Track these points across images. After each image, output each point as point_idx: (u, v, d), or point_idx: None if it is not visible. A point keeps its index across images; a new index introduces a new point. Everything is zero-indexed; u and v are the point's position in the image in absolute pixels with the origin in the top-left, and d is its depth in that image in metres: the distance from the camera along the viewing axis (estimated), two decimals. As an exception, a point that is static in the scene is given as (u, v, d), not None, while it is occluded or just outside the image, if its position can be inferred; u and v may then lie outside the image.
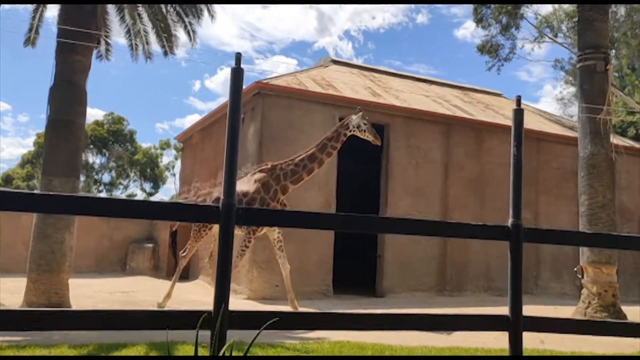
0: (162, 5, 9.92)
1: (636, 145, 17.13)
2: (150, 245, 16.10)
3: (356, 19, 70.04)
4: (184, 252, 9.66)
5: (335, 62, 17.32)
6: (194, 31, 10.02)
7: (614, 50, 23.36)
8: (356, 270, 15.94)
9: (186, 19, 9.91)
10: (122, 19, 10.48)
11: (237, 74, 3.39)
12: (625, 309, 10.38)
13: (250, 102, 12.72)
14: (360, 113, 8.98)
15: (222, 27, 71.80)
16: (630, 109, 19.68)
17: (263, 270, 11.53)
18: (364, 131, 8.96)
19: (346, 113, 12.94)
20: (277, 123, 12.20)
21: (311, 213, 4.59)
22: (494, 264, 13.60)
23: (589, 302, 10.20)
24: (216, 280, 3.20)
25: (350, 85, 14.53)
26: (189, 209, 3.41)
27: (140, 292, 12.03)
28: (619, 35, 22.61)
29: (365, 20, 70.15)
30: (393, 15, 68.68)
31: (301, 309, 9.06)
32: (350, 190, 16.26)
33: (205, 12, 9.79)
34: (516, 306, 3.87)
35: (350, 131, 8.88)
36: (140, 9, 10.17)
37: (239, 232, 9.34)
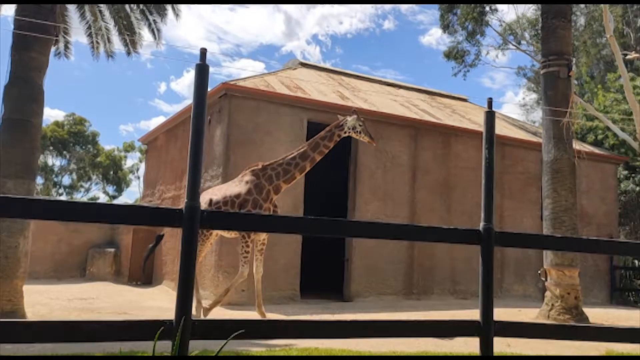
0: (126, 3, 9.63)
1: (596, 150, 17.55)
2: (112, 249, 15.64)
3: (324, 23, 70.28)
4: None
5: (303, 64, 17.21)
6: (158, 30, 9.75)
7: (574, 59, 23.95)
8: (324, 274, 15.83)
9: (150, 17, 9.63)
10: (83, 15, 10.13)
11: (202, 71, 3.23)
12: (587, 310, 10.56)
13: (216, 103, 12.50)
14: (355, 115, 8.79)
15: (188, 29, 71.01)
16: (590, 116, 20.18)
17: (229, 275, 11.29)
18: (359, 132, 8.79)
19: (314, 116, 12.87)
20: (244, 125, 12.01)
21: (279, 217, 4.45)
22: (459, 267, 13.70)
23: (552, 305, 10.34)
24: (178, 288, 3.03)
25: (318, 88, 14.44)
26: (149, 212, 3.22)
27: (101, 298, 11.64)
28: (579, 44, 23.21)
29: (333, 25, 70.47)
30: (360, 20, 69.17)
31: (268, 315, 8.88)
32: (318, 194, 16.15)
33: (170, 11, 9.53)
34: (487, 311, 3.82)
35: (345, 132, 8.72)
36: (102, 5, 9.84)
37: (230, 236, 9.00)
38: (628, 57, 20.50)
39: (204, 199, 8.51)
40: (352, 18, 69.85)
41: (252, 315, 8.69)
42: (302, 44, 72.44)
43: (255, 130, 12.08)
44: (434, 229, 4.25)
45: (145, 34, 10.09)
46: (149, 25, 9.76)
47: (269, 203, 8.38)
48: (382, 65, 76.63)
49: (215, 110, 12.52)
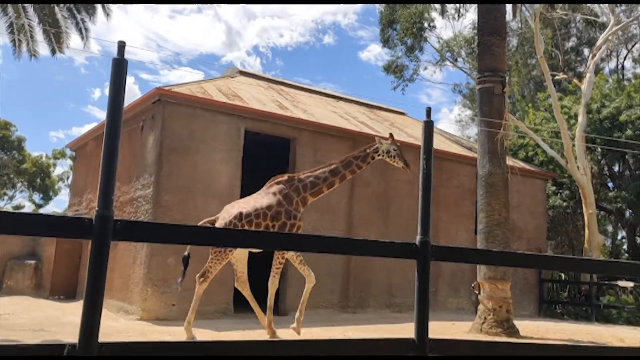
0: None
1: (527, 166, 18.16)
2: (32, 262, 14.64)
3: (264, 35, 70.16)
4: (202, 275, 8.45)
5: (242, 73, 16.91)
6: (86, 29, 9.21)
7: (507, 78, 24.88)
8: (259, 287, 15.45)
9: (78, 16, 9.08)
10: (5, 12, 9.43)
11: (119, 65, 2.93)
12: (517, 323, 10.75)
13: (150, 109, 11.99)
14: (391, 139, 8.58)
15: (126, 35, 68.92)
16: (521, 133, 20.93)
17: (158, 288, 10.77)
18: (394, 157, 8.54)
19: (252, 125, 12.59)
20: (178, 132, 11.56)
21: (207, 228, 4.16)
22: (396, 280, 13.71)
23: (485, 318, 10.46)
24: (84, 307, 2.70)
25: (257, 97, 14.17)
26: (51, 222, 2.86)
27: (17, 314, 10.80)
28: (512, 64, 24.10)
29: (273, 37, 70.44)
30: (300, 34, 69.53)
31: (198, 331, 8.47)
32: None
33: (100, 9, 9.02)
34: (422, 329, 3.66)
35: (379, 155, 8.48)
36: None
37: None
38: (556, 77, 21.49)
39: (232, 213, 8.09)
40: (292, 31, 70.18)
41: (180, 330, 8.25)
42: (242, 54, 71.99)
43: (190, 138, 11.65)
44: (370, 242, 4.09)
45: (74, 36, 9.51)
46: (77, 24, 9.20)
47: (298, 214, 8.23)
48: (323, 78, 77.22)
49: (149, 116, 12.00)
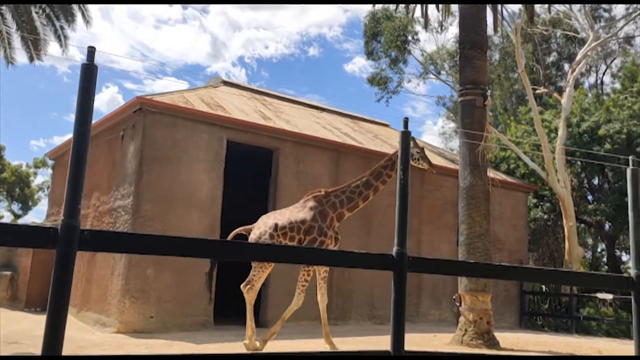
0: (32, 6, 8.93)
1: (508, 179, 18.30)
2: (8, 273, 14.33)
3: (249, 46, 70.28)
4: (248, 284, 8.37)
5: (226, 83, 16.86)
6: (65, 36, 9.10)
7: (489, 90, 25.14)
8: (240, 299, 15.30)
9: (57, 22, 8.96)
10: (-17, 17, 9.31)
11: (88, 71, 2.87)
12: (498, 335, 10.74)
13: (130, 118, 11.88)
14: (412, 143, 8.60)
15: (111, 45, 68.58)
16: (503, 146, 21.13)
17: (136, 300, 10.59)
18: (417, 159, 8.67)
19: (235, 135, 12.52)
20: (159, 142, 11.45)
21: (179, 238, 4.09)
22: (378, 291, 13.66)
23: (466, 330, 10.44)
24: (47, 319, 2.61)
25: (240, 107, 14.13)
26: (17, 232, 2.77)
27: (-10, 326, 10.53)
28: (494, 77, 24.40)
29: (259, 48, 70.58)
30: (285, 46, 69.77)
31: (175, 344, 8.33)
32: (237, 215, 15.70)
33: (79, 16, 8.93)
34: (398, 341, 3.62)
35: None
36: (4, 8, 9.09)
37: None
38: (537, 91, 21.77)
39: (268, 224, 8.13)
40: (277, 43, 70.38)
41: (157, 343, 8.11)
42: (227, 65, 72.01)
43: (171, 147, 11.55)
44: (347, 253, 4.05)
45: (55, 44, 9.39)
46: (55, 31, 9.08)
47: (332, 230, 8.22)
48: (308, 90, 77.52)
49: (129, 125, 11.88)
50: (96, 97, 2.95)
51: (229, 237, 8.51)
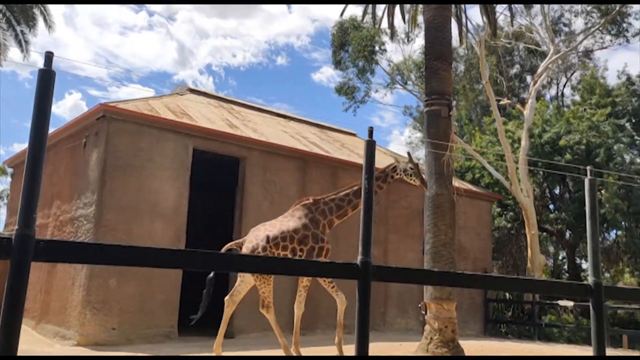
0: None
1: (473, 188, 18.61)
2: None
3: (217, 54, 69.91)
4: (263, 306, 8.36)
5: (193, 91, 16.70)
6: (26, 41, 8.88)
7: (455, 101, 25.57)
8: (207, 309, 15.08)
9: (17, 27, 8.74)
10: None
11: (45, 77, 2.79)
12: (462, 343, 10.85)
13: (93, 126, 11.64)
14: (408, 158, 8.95)
15: (75, 51, 67.19)
16: (468, 155, 21.50)
17: (98, 311, 10.33)
18: (410, 175, 8.86)
19: (201, 143, 12.40)
20: (123, 150, 11.24)
21: (142, 248, 3.98)
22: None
23: (431, 338, 10.51)
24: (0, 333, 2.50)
25: (207, 115, 14.00)
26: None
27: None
28: (459, 88, 24.83)
29: (226, 56, 70.25)
30: (253, 55, 69.64)
31: (138, 356, 8.13)
32: (203, 225, 15.54)
33: (41, 21, 8.72)
34: (362, 350, 3.59)
35: (397, 174, 8.77)
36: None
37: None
38: (501, 102, 22.28)
39: (259, 236, 8.00)
40: (245, 52, 70.21)
41: (118, 354, 7.90)
42: (194, 73, 71.38)
43: (135, 155, 11.35)
44: (311, 262, 4.04)
45: (16, 50, 9.15)
46: (16, 36, 8.86)
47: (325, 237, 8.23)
48: (276, 99, 77.48)
49: (92, 133, 11.64)
50: (59, 103, 2.91)
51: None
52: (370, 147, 3.94)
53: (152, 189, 11.45)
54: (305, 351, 9.47)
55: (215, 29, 70.21)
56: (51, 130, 13.67)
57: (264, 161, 13.23)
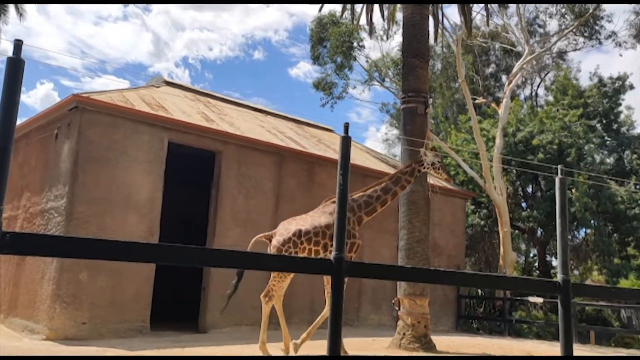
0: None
1: (448, 186, 18.79)
2: None
3: (193, 47, 69.07)
4: (266, 295, 8.45)
5: (168, 83, 16.49)
6: (-4, 28, 8.62)
7: (431, 99, 25.78)
8: (180, 303, 14.98)
9: (-13, 14, 8.50)
10: None
11: (14, 65, 2.72)
12: (434, 338, 11.00)
13: (66, 117, 11.41)
14: (434, 152, 9.07)
15: (48, 41, 65.69)
16: (443, 153, 21.71)
17: (68, 305, 10.16)
18: (438, 169, 8.92)
19: (176, 137, 12.26)
20: (96, 141, 11.05)
21: (113, 242, 3.92)
22: (318, 296, 13.63)
23: (404, 334, 10.63)
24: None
25: (182, 108, 13.84)
26: None
27: None
28: (436, 86, 25.04)
29: (202, 49, 69.45)
30: (230, 49, 69.04)
31: (108, 351, 8.03)
32: (177, 218, 15.38)
33: (12, 9, 8.50)
34: (335, 346, 3.61)
35: (424, 168, 8.86)
36: None
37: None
38: (477, 101, 22.53)
39: (290, 230, 8.05)
40: (222, 45, 69.49)
41: (89, 350, 7.80)
42: (170, 65, 70.44)
43: (109, 147, 11.17)
44: (286, 258, 4.03)
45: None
46: (-15, 22, 8.61)
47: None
48: (254, 93, 76.94)
49: (64, 124, 11.41)
50: (30, 93, 2.85)
51: (249, 246, 8.35)
52: (346, 143, 3.94)
53: (126, 182, 11.29)
54: (277, 346, 9.47)
55: (192, 21, 69.36)
56: (22, 120, 13.39)
57: (240, 155, 13.15)
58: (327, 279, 8.47)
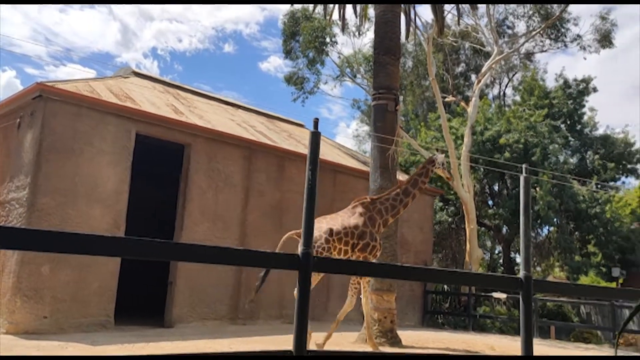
0: None
1: (416, 182, 18.98)
2: None
3: (161, 38, 68.01)
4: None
5: (137, 74, 16.19)
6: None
7: (402, 96, 25.98)
8: (146, 297, 14.80)
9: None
10: None
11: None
12: (400, 333, 11.13)
13: (29, 105, 11.10)
14: (443, 154, 9.79)
15: (12, 28, 63.70)
16: (413, 150, 21.92)
17: (29, 299, 9.91)
18: (446, 169, 9.69)
19: (144, 129, 12.05)
20: (61, 132, 10.78)
21: (76, 234, 3.84)
22: (287, 291, 13.66)
23: (371, 329, 10.70)
24: None
25: (151, 99, 13.62)
26: None
27: None
28: (407, 84, 25.24)
29: (172, 41, 68.40)
30: (200, 41, 68.17)
31: (71, 345, 7.87)
32: (144, 211, 15.15)
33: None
34: (301, 340, 3.62)
35: (436, 168, 9.48)
36: None
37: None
38: (446, 99, 22.80)
39: (322, 228, 8.42)
40: (191, 37, 68.54)
41: (50, 345, 7.63)
42: (139, 56, 69.18)
43: (74, 138, 10.92)
44: (252, 252, 4.01)
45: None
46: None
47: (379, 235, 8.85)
48: (225, 86, 76.18)
49: (27, 113, 11.11)
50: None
51: (280, 242, 8.63)
52: (315, 138, 3.95)
53: (91, 173, 11.06)
54: (244, 341, 9.46)
55: (161, 12, 68.19)
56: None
57: (210, 149, 13.02)
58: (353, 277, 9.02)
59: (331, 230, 8.45)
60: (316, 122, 4.05)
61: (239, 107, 18.39)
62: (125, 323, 11.15)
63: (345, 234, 8.52)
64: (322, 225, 8.54)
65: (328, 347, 8.59)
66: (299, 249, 3.75)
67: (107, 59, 67.90)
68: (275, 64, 65.10)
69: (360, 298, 10.29)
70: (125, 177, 11.57)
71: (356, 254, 8.71)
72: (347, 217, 8.82)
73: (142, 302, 14.28)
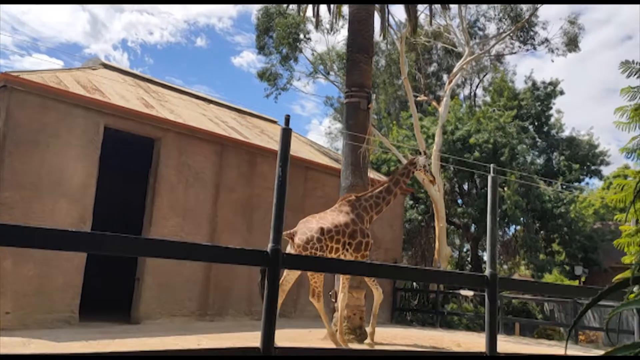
0: None
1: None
2: None
3: (132, 30, 66.94)
4: (313, 295, 8.81)
5: (106, 66, 15.88)
6: None
7: (375, 95, 26.11)
8: (112, 293, 14.56)
9: None
10: None
11: None
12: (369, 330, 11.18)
13: (-7, 95, 10.78)
14: (425, 156, 10.08)
15: (-26, 11, 61.71)
16: (385, 148, 22.07)
17: (-10, 295, 9.65)
18: (427, 171, 9.95)
19: (113, 122, 11.84)
20: (25, 124, 10.52)
21: (40, 229, 3.77)
22: (256, 287, 13.61)
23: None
24: None
25: (121, 92, 13.38)
26: None
27: None
28: (379, 82, 25.38)
29: (142, 33, 67.39)
30: (171, 34, 67.37)
31: (33, 342, 7.70)
32: (112, 206, 14.90)
33: None
34: (269, 337, 3.62)
35: (417, 169, 9.72)
36: None
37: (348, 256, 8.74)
38: (418, 99, 23.01)
39: (313, 228, 8.37)
40: (163, 30, 67.67)
41: (12, 341, 7.45)
42: (108, 47, 67.95)
43: (39, 130, 10.67)
44: (221, 249, 3.99)
45: None
46: None
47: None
48: (197, 80, 75.48)
49: (-9, 103, 10.79)
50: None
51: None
52: (286, 135, 3.94)
53: (57, 166, 10.82)
54: (212, 337, 9.39)
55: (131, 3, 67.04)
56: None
57: (180, 143, 12.87)
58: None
59: (322, 229, 8.40)
60: (287, 119, 4.04)
61: (211, 102, 18.22)
62: (90, 319, 10.95)
63: (337, 232, 8.56)
64: (312, 225, 8.46)
65: (296, 343, 8.59)
66: (269, 246, 3.75)
67: (75, 50, 66.49)
68: (248, 59, 64.78)
69: (331, 294, 10.33)
70: (92, 171, 11.35)
71: (352, 255, 8.75)
72: (336, 215, 8.87)
73: (108, 298, 14.06)
